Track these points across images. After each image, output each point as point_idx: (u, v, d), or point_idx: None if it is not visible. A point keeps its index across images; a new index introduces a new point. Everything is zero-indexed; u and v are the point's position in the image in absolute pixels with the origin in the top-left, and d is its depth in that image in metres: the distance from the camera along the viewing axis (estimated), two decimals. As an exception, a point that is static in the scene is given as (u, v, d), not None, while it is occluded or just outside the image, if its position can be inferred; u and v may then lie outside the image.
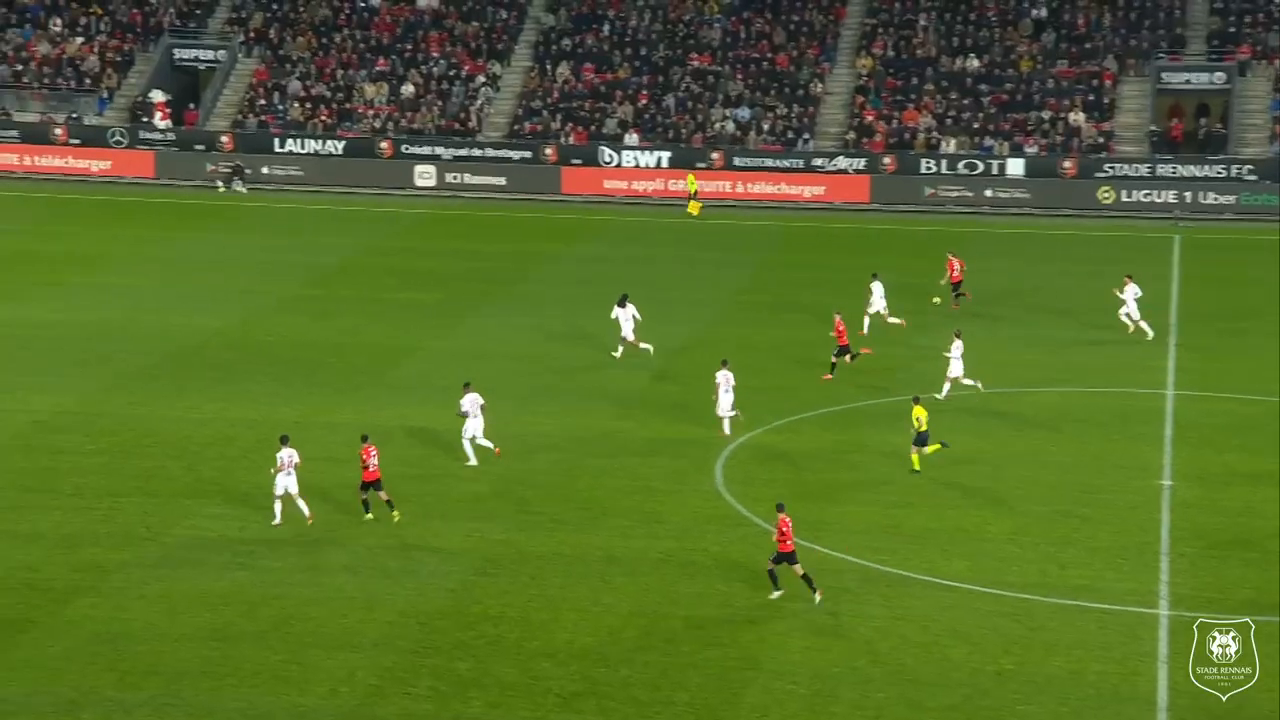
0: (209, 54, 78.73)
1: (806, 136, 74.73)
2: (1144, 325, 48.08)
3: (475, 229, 65.36)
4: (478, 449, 37.16)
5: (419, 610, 29.25)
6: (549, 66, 78.63)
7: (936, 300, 51.07)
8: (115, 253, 59.14)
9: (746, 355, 46.25)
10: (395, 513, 33.26)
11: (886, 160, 72.10)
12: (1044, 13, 78.00)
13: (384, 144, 74.05)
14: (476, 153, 74.23)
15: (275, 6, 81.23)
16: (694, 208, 68.82)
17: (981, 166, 71.28)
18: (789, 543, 29.19)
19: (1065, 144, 72.39)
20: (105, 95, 76.51)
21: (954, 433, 38.07)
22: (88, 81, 77.12)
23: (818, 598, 29.30)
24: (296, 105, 76.44)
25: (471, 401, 37.59)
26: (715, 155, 73.61)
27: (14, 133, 73.65)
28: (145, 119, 74.98)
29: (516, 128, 76.23)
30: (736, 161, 73.32)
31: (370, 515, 33.32)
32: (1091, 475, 36.75)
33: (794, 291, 54.56)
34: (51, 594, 29.41)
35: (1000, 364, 44.77)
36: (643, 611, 29.44)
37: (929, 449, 36.55)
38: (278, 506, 32.77)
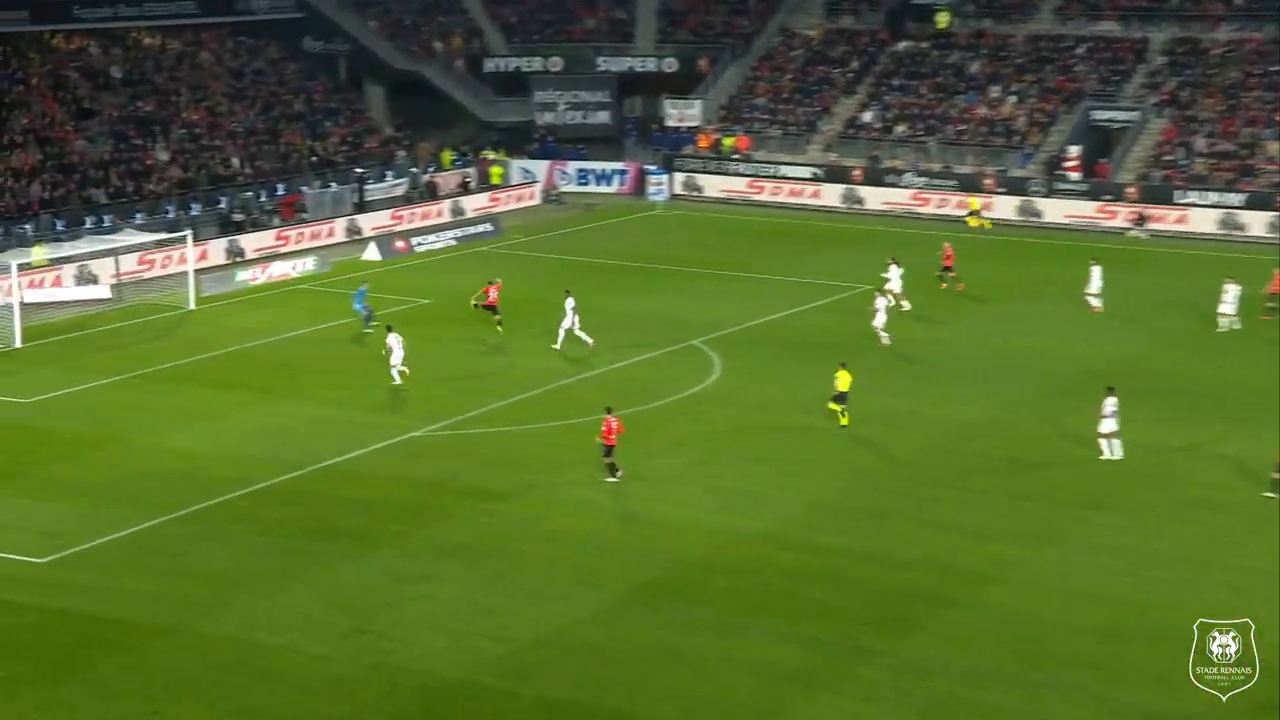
0: (1123, 115, 78.60)
1: None
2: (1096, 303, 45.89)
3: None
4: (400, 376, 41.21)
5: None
6: None
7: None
8: (1028, 290, 60.00)
9: None
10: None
11: None
12: None
13: (1281, 198, 70.15)
14: (1381, 209, 68.44)
15: (1188, 72, 79.48)
16: (973, 221, 66.76)
17: None
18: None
19: None
20: (1029, 151, 78.30)
21: None
22: (1015, 139, 79.18)
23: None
24: (1200, 160, 74.16)
25: (395, 341, 40.89)
26: None
27: (953, 182, 77.22)
28: (1059, 171, 75.94)
29: None
30: None
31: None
32: None
33: None
34: (968, 577, 30.93)
35: None
36: None
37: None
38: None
